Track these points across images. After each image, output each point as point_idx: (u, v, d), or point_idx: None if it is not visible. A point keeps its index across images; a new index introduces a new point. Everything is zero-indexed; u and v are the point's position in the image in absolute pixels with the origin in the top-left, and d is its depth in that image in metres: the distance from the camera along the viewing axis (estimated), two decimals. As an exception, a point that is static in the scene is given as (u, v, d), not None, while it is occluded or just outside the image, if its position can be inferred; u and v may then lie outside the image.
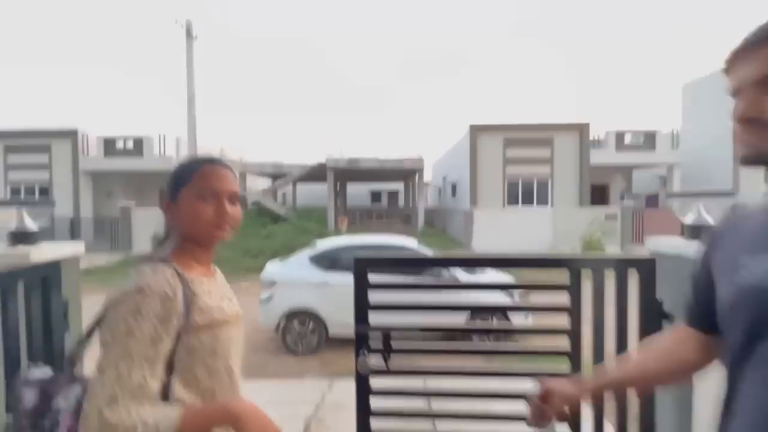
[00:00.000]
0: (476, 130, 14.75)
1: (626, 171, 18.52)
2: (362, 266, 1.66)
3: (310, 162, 16.73)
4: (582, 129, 14.64)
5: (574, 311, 1.59)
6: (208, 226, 0.84)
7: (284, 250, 11.44)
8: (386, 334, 1.58)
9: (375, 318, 1.63)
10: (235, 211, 0.88)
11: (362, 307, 1.62)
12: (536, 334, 1.58)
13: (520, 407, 1.62)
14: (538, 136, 14.77)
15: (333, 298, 4.61)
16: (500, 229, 12.94)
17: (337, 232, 13.87)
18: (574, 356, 1.60)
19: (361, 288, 1.63)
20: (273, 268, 5.04)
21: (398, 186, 27.15)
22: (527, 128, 14.81)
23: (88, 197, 16.46)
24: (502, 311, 1.36)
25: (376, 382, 1.67)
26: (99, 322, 0.79)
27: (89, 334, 0.83)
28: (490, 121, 14.99)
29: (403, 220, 22.10)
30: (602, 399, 1.59)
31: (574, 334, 1.60)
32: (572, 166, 14.71)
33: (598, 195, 17.07)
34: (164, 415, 0.70)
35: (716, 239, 0.75)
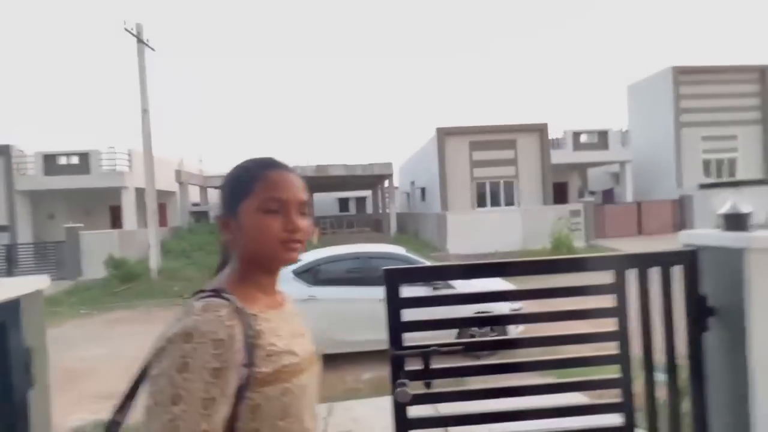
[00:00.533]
0: (443, 134, 14.96)
1: (582, 169, 19.57)
2: (394, 280, 1.46)
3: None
4: (542, 129, 15.29)
5: (621, 313, 1.49)
6: (276, 244, 0.68)
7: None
8: (426, 354, 1.40)
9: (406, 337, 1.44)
10: (305, 224, 0.71)
11: (396, 327, 1.43)
12: (583, 343, 1.47)
13: (572, 422, 1.52)
14: (502, 138, 15.24)
15: (322, 313, 4.35)
16: (472, 231, 13.13)
17: (310, 243, 13.45)
18: (624, 361, 1.50)
19: (394, 305, 1.43)
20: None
21: (365, 192, 27.03)
22: (491, 130, 15.24)
23: (26, 220, 14.87)
24: (550, 318, 1.29)
25: (413, 410, 1.47)
26: (142, 378, 0.64)
27: (130, 395, 0.66)
28: (455, 124, 15.30)
29: (374, 227, 21.97)
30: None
31: (623, 337, 1.50)
32: (535, 166, 15.30)
33: (559, 193, 17.87)
34: None
35: None
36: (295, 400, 0.66)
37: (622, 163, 17.01)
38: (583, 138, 17.07)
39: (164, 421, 0.54)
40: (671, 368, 1.54)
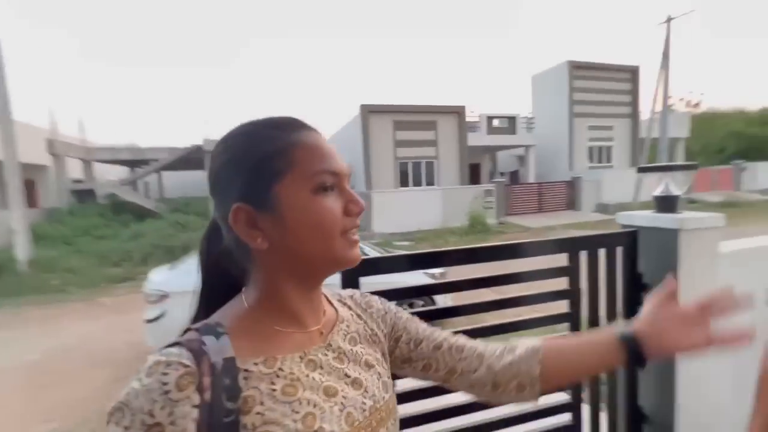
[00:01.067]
0: (367, 111, 14.73)
1: (493, 151, 21.15)
2: (353, 271, 1.26)
3: (177, 145, 14.38)
4: (460, 113, 16.02)
5: (573, 293, 1.51)
6: (339, 237, 0.48)
7: (161, 253, 9.59)
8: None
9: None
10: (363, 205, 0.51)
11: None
12: (541, 326, 1.45)
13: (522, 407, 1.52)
14: (424, 119, 15.60)
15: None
16: (396, 210, 13.38)
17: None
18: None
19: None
20: (161, 278, 4.04)
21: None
22: (414, 110, 15.47)
23: None
24: (510, 304, 1.27)
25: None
26: None
27: None
28: (378, 102, 15.16)
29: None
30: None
31: (574, 318, 1.53)
32: (453, 148, 16.05)
33: (473, 174, 19.12)
34: None
35: None
36: None
37: (527, 147, 18.77)
38: (495, 123, 18.35)
39: None
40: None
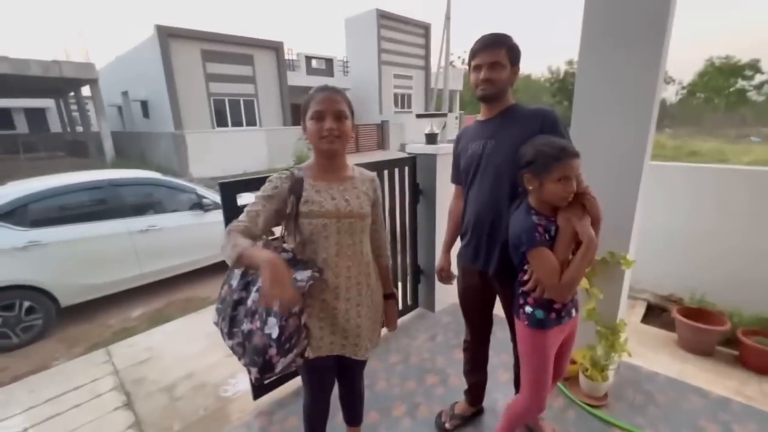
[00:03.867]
0: (166, 34, 12.40)
1: (313, 93, 21.35)
2: (230, 191, 1.69)
3: None
4: (278, 48, 15.36)
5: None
6: (319, 140, 1.16)
7: None
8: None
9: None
10: (340, 126, 1.16)
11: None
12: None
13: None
14: (239, 51, 14.30)
15: (59, 258, 3.52)
16: (217, 153, 12.45)
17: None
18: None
19: (233, 215, 1.68)
20: None
21: (45, 102, 19.27)
22: (226, 40, 13.93)
23: None
24: None
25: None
26: None
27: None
28: (179, 24, 12.92)
29: (71, 151, 16.54)
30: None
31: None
32: (273, 86, 15.53)
33: (296, 114, 19.11)
34: (243, 241, 1.02)
35: (458, 140, 1.63)
36: (317, 234, 1.17)
37: (344, 90, 19.80)
38: (314, 63, 18.44)
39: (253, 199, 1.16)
40: (402, 225, 2.60)
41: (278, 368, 1.01)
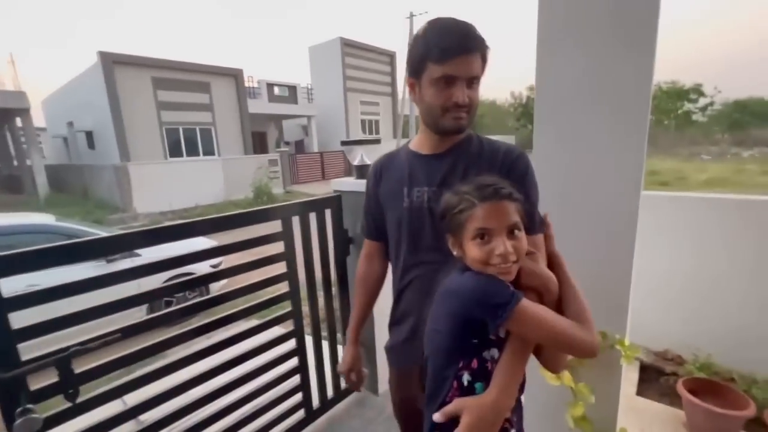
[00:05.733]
0: (111, 61, 11.63)
1: (278, 120, 20.91)
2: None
3: None
4: (237, 76, 14.85)
5: (289, 256, 1.72)
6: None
7: None
8: (64, 360, 1.08)
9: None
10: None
11: (7, 340, 1.01)
12: (262, 289, 1.62)
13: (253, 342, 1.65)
14: (194, 78, 13.66)
15: None
16: (167, 185, 11.50)
17: None
18: (294, 297, 1.77)
19: (-3, 311, 1.00)
20: None
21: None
22: (179, 68, 13.28)
23: None
24: (208, 281, 1.24)
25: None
26: None
27: None
28: (134, 52, 12.20)
29: (6, 187, 15.06)
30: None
31: (292, 276, 1.75)
32: (233, 114, 14.89)
33: (258, 142, 18.45)
34: None
35: (378, 177, 1.07)
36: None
37: (309, 117, 19.46)
38: (277, 90, 18.03)
39: None
40: (326, 285, 1.96)
41: None
